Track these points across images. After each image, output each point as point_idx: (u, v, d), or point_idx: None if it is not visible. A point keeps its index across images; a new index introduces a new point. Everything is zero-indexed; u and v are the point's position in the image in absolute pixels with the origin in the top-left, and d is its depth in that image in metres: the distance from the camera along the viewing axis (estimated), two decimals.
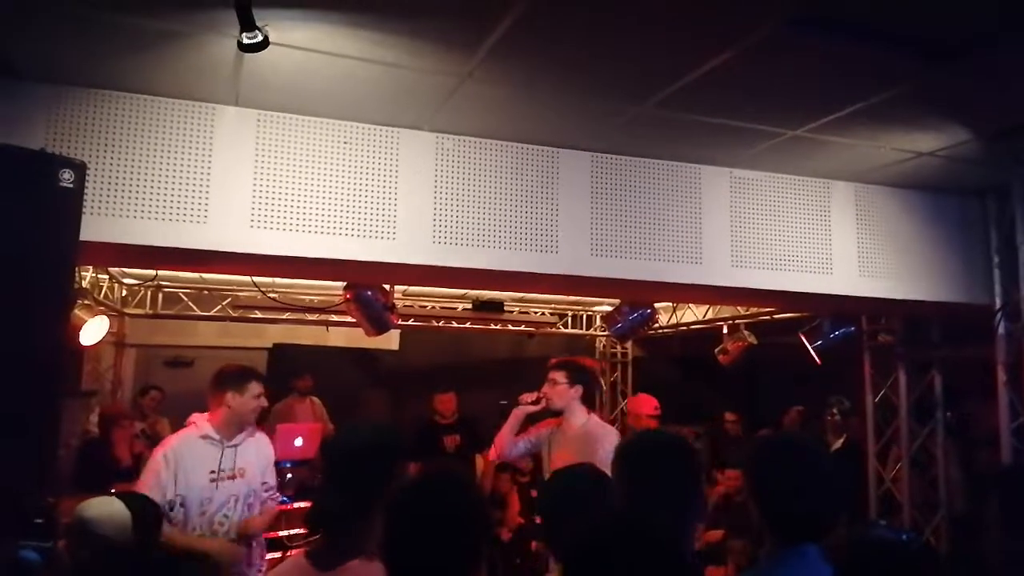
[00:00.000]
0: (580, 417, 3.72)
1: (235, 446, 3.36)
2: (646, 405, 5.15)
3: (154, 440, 6.09)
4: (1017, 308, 4.27)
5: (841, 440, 5.87)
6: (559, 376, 3.76)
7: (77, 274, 4.98)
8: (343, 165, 3.38)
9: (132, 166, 3.06)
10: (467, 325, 7.22)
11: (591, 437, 3.52)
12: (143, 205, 3.06)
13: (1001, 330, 4.34)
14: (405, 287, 6.29)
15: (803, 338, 5.40)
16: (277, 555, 4.97)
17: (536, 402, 3.80)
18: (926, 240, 4.39)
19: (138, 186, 3.06)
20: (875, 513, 5.35)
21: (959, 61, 2.75)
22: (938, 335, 5.27)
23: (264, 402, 3.46)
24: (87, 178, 2.66)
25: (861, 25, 2.54)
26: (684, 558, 1.25)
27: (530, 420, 3.91)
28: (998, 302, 4.39)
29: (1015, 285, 4.29)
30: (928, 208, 4.43)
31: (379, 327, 5.11)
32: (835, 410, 5.92)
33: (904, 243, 4.34)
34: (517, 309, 7.22)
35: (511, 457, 4.18)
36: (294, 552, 4.35)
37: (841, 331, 5.35)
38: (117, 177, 3.04)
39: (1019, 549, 1.88)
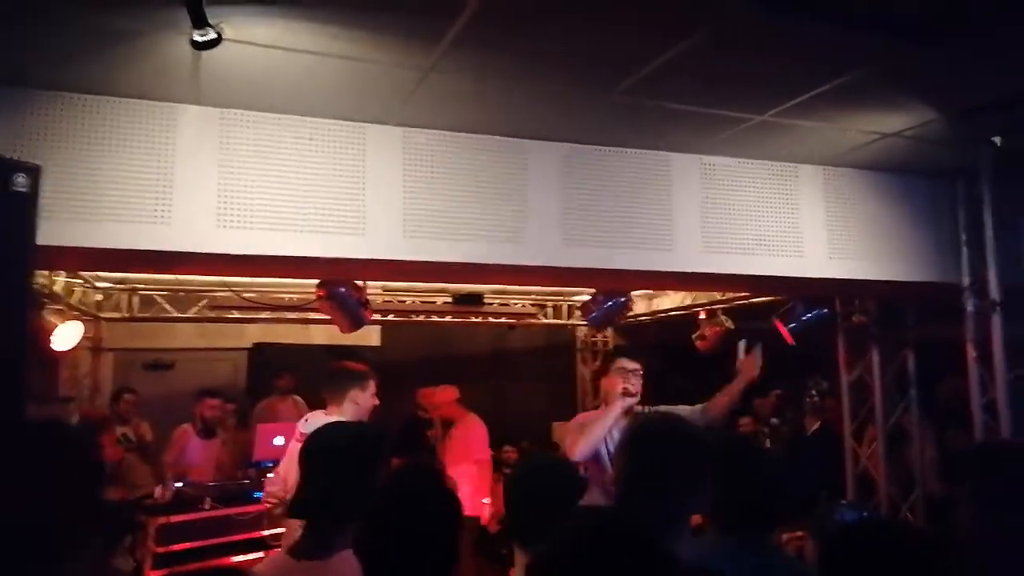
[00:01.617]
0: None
1: None
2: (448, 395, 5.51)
3: (139, 444, 6.06)
4: (985, 286, 4.32)
5: (819, 422, 5.94)
6: (641, 366, 3.63)
7: (48, 279, 4.93)
8: (310, 161, 3.36)
9: (92, 168, 3.02)
10: (447, 319, 7.22)
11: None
12: (105, 207, 3.02)
13: (969, 307, 4.40)
14: (384, 282, 6.29)
15: (776, 322, 5.43)
16: (259, 555, 4.97)
17: (632, 395, 3.54)
18: (895, 221, 4.44)
19: (99, 188, 3.02)
20: (852, 492, 5.41)
21: (923, 42, 2.78)
22: (911, 315, 5.33)
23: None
24: (45, 182, 2.64)
25: (824, 6, 2.55)
26: (660, 556, 1.23)
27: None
28: (966, 280, 4.44)
29: (983, 263, 4.34)
30: (897, 189, 4.47)
31: (354, 323, 5.09)
32: (814, 392, 5.98)
33: (873, 224, 4.38)
34: (497, 301, 7.22)
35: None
36: (274, 552, 4.34)
37: (815, 313, 5.40)
38: (77, 180, 3.00)
39: (990, 526, 1.90)
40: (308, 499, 1.93)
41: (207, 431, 5.84)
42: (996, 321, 4.26)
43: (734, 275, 4.12)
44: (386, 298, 6.74)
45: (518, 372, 8.53)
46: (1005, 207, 4.32)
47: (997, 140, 3.54)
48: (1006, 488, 1.85)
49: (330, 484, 1.90)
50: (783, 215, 4.18)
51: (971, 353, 4.39)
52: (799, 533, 3.31)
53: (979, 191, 4.35)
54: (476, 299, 6.80)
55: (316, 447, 2.02)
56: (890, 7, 2.57)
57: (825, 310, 5.47)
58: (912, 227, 4.48)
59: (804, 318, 5.41)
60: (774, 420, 6.51)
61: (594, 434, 3.40)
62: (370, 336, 7.83)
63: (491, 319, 7.41)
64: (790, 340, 5.42)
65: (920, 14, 2.61)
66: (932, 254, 4.50)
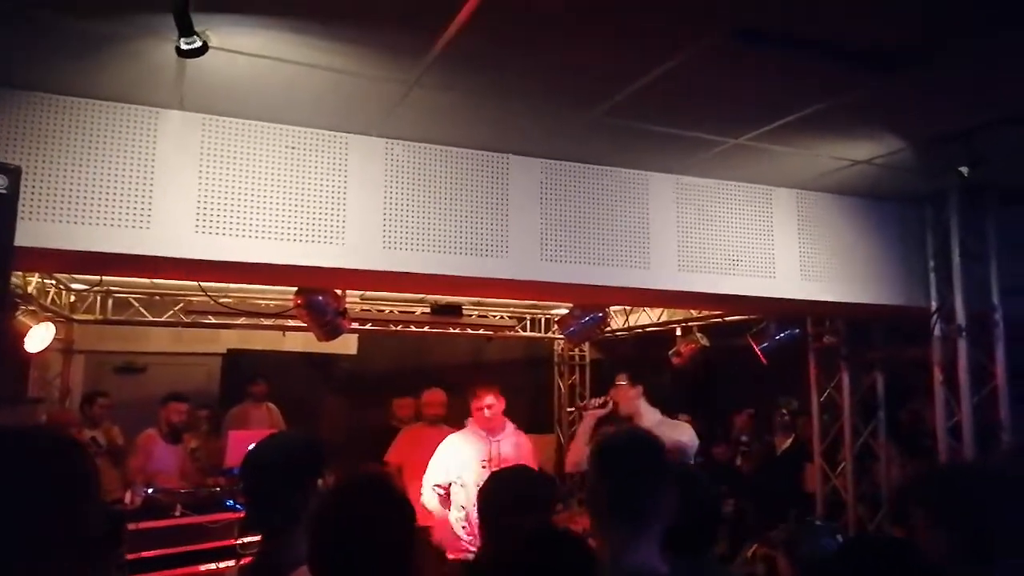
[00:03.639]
0: (652, 417, 3.83)
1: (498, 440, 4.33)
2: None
3: (109, 448, 5.98)
4: (952, 311, 4.43)
5: (790, 440, 6.02)
6: (621, 377, 3.92)
7: (22, 280, 4.88)
8: (291, 170, 3.38)
9: (73, 170, 3.02)
10: (425, 329, 7.23)
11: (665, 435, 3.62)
12: (84, 210, 3.02)
13: (937, 332, 4.50)
14: (362, 291, 6.28)
15: (750, 340, 5.52)
16: (231, 563, 4.92)
17: (603, 405, 3.94)
18: (865, 245, 4.54)
19: (79, 191, 3.02)
20: (821, 510, 5.49)
21: (895, 74, 2.87)
22: (880, 337, 5.44)
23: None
24: (25, 183, 2.64)
25: (802, 38, 2.63)
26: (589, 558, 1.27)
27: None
28: (934, 305, 4.55)
29: (949, 288, 4.46)
30: (867, 214, 4.58)
31: (331, 333, 5.09)
32: (784, 410, 6.07)
33: (844, 248, 4.48)
34: (476, 313, 7.25)
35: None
36: (245, 560, 4.32)
37: (787, 333, 5.49)
38: (57, 182, 2.99)
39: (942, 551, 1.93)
40: (250, 516, 1.90)
41: (173, 436, 5.75)
42: (962, 346, 4.37)
43: (708, 294, 4.19)
44: (364, 307, 6.73)
45: (495, 384, 8.51)
46: (972, 235, 4.45)
47: (964, 171, 3.64)
48: (961, 512, 1.90)
49: (269, 505, 1.87)
50: (756, 236, 4.26)
51: (937, 376, 4.49)
52: (764, 549, 3.37)
53: (947, 218, 4.48)
54: (455, 310, 6.82)
55: (249, 469, 1.97)
56: (866, 41, 2.66)
57: (797, 330, 5.57)
58: (882, 251, 4.59)
59: (777, 338, 5.50)
60: (744, 438, 6.59)
61: (573, 447, 3.73)
62: (347, 345, 7.80)
63: (469, 330, 7.43)
64: (763, 360, 5.50)
65: (885, 48, 2.70)
66: (901, 278, 4.61)
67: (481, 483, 3.40)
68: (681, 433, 3.70)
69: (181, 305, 6.22)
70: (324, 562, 1.58)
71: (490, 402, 4.43)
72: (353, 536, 1.55)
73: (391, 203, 3.54)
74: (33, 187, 2.93)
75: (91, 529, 1.12)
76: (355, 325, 6.64)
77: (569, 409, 8.74)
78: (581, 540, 1.62)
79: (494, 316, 7.49)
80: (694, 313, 6.39)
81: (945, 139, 3.56)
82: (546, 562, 1.39)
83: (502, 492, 2.04)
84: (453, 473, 4.30)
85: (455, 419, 5.74)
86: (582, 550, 1.57)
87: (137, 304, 6.20)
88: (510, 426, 4.55)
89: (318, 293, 4.87)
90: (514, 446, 4.41)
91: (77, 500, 1.11)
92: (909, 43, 2.68)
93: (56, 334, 5.54)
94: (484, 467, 4.19)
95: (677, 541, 1.72)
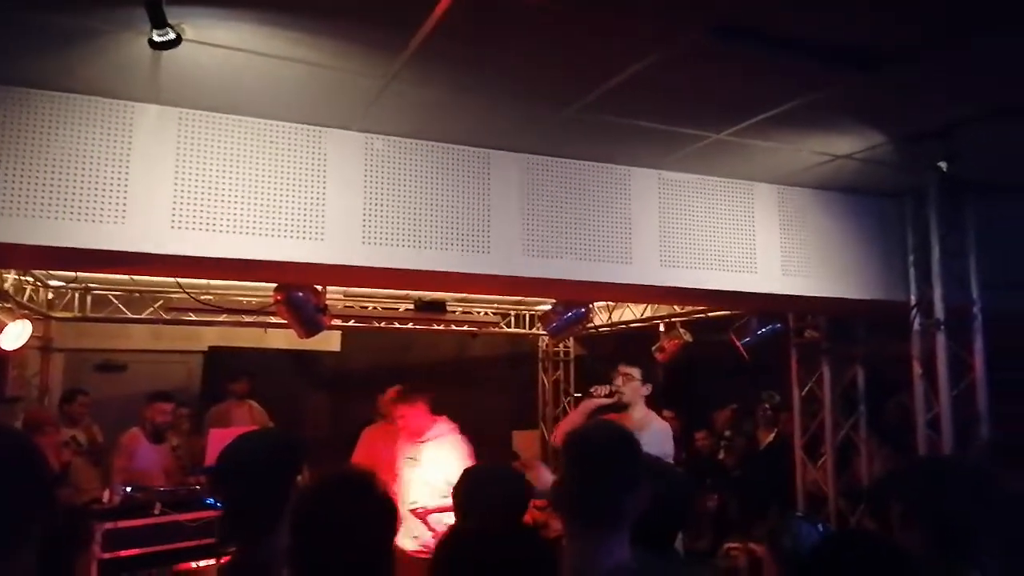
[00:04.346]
0: (640, 412, 3.86)
1: None
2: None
3: (89, 447, 5.91)
4: (930, 305, 4.47)
5: (772, 434, 6.06)
6: (635, 372, 3.89)
7: None
8: (269, 165, 3.34)
9: (45, 165, 2.97)
10: (409, 325, 7.20)
11: (650, 430, 3.67)
12: (57, 205, 2.97)
13: (916, 326, 4.54)
14: (345, 288, 6.25)
15: (732, 336, 5.54)
16: (210, 562, 4.89)
17: (609, 395, 3.89)
18: (846, 240, 4.56)
19: (52, 185, 2.97)
20: (802, 504, 5.52)
21: (875, 71, 2.88)
22: (862, 331, 5.47)
23: None
24: None
25: (781, 35, 2.63)
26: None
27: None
28: (913, 299, 4.58)
29: (928, 283, 4.49)
30: (848, 209, 4.60)
31: (311, 329, 5.06)
32: (766, 404, 6.10)
33: (825, 243, 4.50)
34: (460, 309, 7.23)
35: None
36: (225, 559, 4.29)
37: (769, 328, 5.52)
38: (30, 176, 2.94)
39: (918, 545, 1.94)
40: (232, 525, 1.85)
41: (157, 436, 5.69)
42: (940, 340, 4.41)
43: (690, 289, 4.19)
44: (347, 303, 6.69)
45: (480, 380, 8.51)
46: (951, 230, 4.48)
47: (943, 166, 3.66)
48: (937, 507, 1.91)
49: (248, 506, 1.82)
50: (738, 231, 4.27)
51: (917, 370, 4.53)
52: (746, 544, 3.37)
53: (926, 213, 4.51)
54: (438, 307, 6.80)
55: (229, 460, 1.91)
56: (844, 39, 2.67)
57: (779, 325, 5.59)
58: (862, 246, 4.61)
59: (758, 333, 5.52)
60: (727, 433, 6.62)
61: (567, 420, 3.82)
62: (330, 341, 7.76)
63: (453, 327, 7.41)
64: (744, 355, 5.52)
65: (863, 44, 2.71)
66: (881, 273, 4.63)
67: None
68: (663, 442, 3.69)
69: (161, 302, 6.16)
70: (303, 560, 1.56)
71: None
72: (333, 534, 1.53)
73: (371, 198, 3.51)
74: (4, 182, 2.88)
75: (41, 530, 1.09)
76: (338, 322, 6.61)
77: (571, 398, 8.66)
78: (538, 536, 1.60)
79: (478, 312, 7.47)
80: (677, 309, 6.41)
81: (924, 135, 3.58)
82: (500, 557, 1.37)
83: (476, 491, 2.02)
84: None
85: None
86: (540, 547, 1.54)
87: (116, 301, 6.13)
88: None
89: (298, 289, 4.83)
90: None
91: (25, 501, 1.09)
92: (887, 42, 2.69)
93: (34, 332, 5.47)
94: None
95: (644, 535, 1.71)
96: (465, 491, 1.97)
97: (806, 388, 5.65)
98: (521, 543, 1.44)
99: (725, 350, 5.85)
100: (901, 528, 1.98)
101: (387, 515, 1.65)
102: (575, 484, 1.67)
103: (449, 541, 1.46)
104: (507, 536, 1.46)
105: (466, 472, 2.12)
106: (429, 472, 4.26)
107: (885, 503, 2.07)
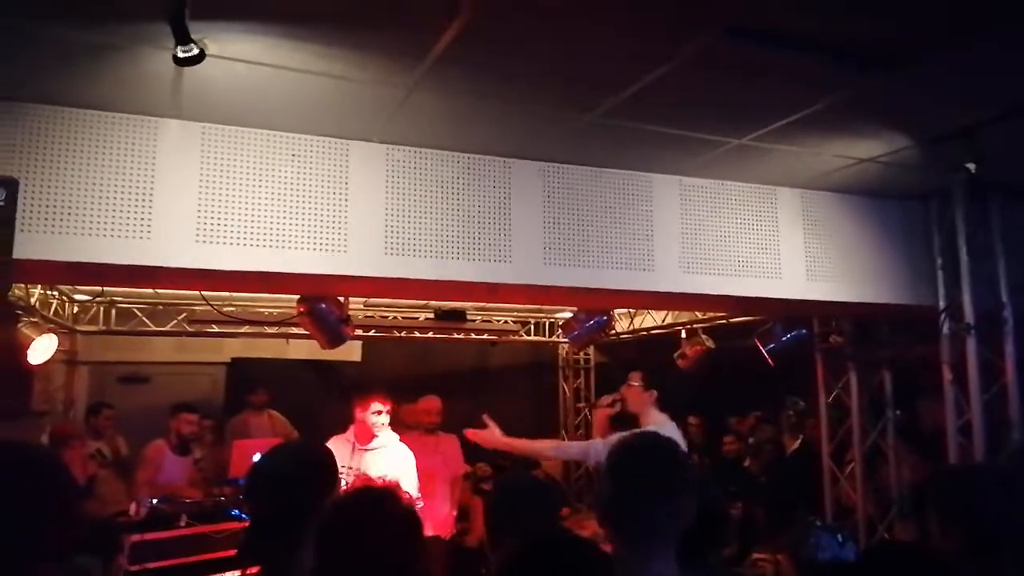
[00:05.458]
0: (650, 418, 3.84)
1: None
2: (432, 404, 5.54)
3: (114, 460, 5.95)
4: (960, 309, 4.39)
5: (798, 441, 5.98)
6: (635, 378, 3.92)
7: (24, 292, 4.87)
8: (292, 177, 3.36)
9: (71, 182, 3.00)
10: (429, 335, 7.21)
11: None
12: (84, 221, 3.00)
13: (945, 330, 4.46)
14: (366, 298, 6.26)
15: (756, 341, 5.48)
16: (236, 574, 4.89)
17: (612, 404, 3.97)
18: (871, 244, 4.50)
19: (78, 202, 3.00)
20: (830, 513, 5.44)
21: (895, 72, 2.84)
22: (887, 336, 5.39)
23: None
24: (23, 195, 2.62)
25: (797, 36, 2.60)
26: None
27: (620, 423, 4.00)
28: (942, 303, 4.51)
29: (957, 286, 4.41)
30: (873, 212, 4.54)
31: (334, 340, 5.06)
32: (791, 411, 6.03)
33: (850, 247, 4.44)
34: (479, 318, 7.23)
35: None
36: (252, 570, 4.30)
37: (793, 334, 5.45)
38: (56, 193, 2.97)
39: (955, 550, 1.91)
40: (257, 541, 1.79)
41: (182, 448, 5.72)
42: (971, 344, 4.32)
43: (713, 295, 4.15)
44: (368, 313, 6.71)
45: (500, 388, 8.50)
46: (978, 232, 4.41)
47: (971, 167, 3.60)
48: (971, 513, 1.88)
49: (275, 521, 1.77)
50: (762, 237, 4.23)
51: (947, 375, 4.44)
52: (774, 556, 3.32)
53: (952, 215, 4.44)
54: (459, 315, 6.79)
55: (255, 484, 1.85)
56: (863, 38, 2.63)
57: (803, 331, 5.52)
58: (889, 250, 4.55)
59: (783, 339, 5.45)
60: (751, 440, 6.55)
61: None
62: (351, 351, 7.77)
63: (473, 335, 7.41)
64: (770, 361, 5.46)
65: (885, 46, 2.67)
66: (908, 277, 4.56)
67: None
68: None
69: (184, 315, 6.21)
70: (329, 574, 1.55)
71: (377, 409, 4.57)
72: (357, 553, 1.51)
73: (392, 209, 3.51)
74: (32, 199, 2.91)
75: (63, 542, 1.09)
76: (359, 332, 6.62)
77: (579, 404, 8.69)
78: (591, 543, 1.57)
79: (498, 321, 7.46)
80: (699, 315, 6.35)
81: (949, 136, 3.52)
82: (557, 567, 1.35)
83: (504, 501, 2.00)
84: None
85: (453, 427, 5.73)
86: (594, 554, 1.53)
87: (140, 314, 6.20)
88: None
89: (321, 300, 4.84)
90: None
91: (47, 513, 1.09)
92: (906, 41, 2.65)
93: (59, 345, 5.51)
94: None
95: (685, 546, 1.68)
96: (503, 503, 1.95)
97: (832, 394, 5.58)
98: (582, 553, 1.42)
99: (749, 356, 5.79)
100: (940, 536, 1.96)
101: (412, 530, 1.63)
102: (621, 499, 1.63)
103: (515, 556, 1.43)
104: (568, 546, 1.44)
105: (498, 485, 2.10)
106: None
107: (923, 511, 2.03)
